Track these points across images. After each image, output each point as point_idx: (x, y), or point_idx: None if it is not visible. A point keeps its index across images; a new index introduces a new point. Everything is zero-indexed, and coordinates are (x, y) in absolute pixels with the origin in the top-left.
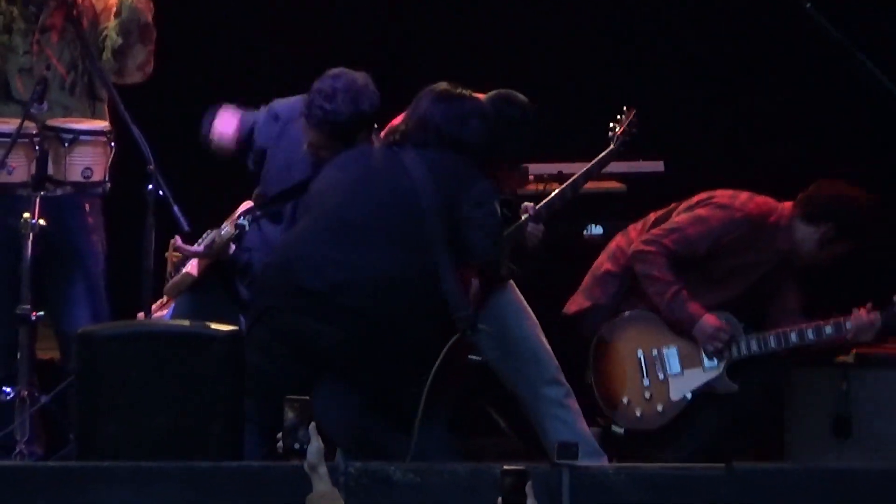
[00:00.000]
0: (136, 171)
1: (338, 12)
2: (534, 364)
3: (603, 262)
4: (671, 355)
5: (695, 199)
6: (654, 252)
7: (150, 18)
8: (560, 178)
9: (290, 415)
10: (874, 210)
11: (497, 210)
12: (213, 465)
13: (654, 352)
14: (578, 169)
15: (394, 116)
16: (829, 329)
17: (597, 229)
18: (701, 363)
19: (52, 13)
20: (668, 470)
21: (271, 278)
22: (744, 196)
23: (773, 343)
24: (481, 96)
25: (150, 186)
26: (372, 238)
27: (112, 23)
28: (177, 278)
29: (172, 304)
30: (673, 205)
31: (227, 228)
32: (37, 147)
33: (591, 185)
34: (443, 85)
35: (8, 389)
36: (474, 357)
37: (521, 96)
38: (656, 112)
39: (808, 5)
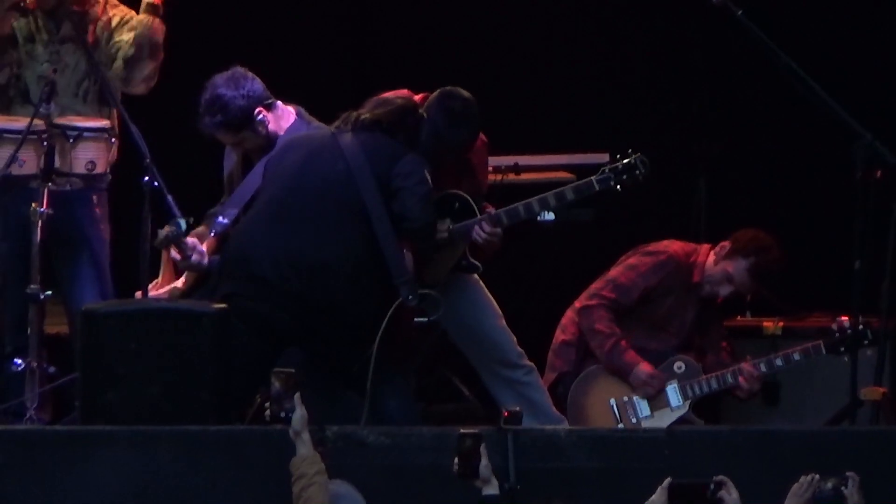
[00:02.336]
0: (134, 165)
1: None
2: (496, 352)
3: (558, 336)
4: (639, 401)
5: (624, 255)
6: (594, 305)
7: (161, 40)
8: (516, 169)
9: (276, 385)
10: (772, 246)
11: (427, 178)
12: (203, 428)
13: (625, 398)
14: (535, 161)
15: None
16: (778, 361)
17: (549, 216)
18: (668, 404)
19: (71, 25)
20: (613, 433)
21: (229, 266)
22: (666, 241)
23: (730, 379)
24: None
25: (146, 178)
26: (314, 222)
27: (127, 35)
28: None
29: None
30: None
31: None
32: (44, 143)
33: (541, 175)
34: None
35: (18, 361)
36: (420, 319)
37: (464, 92)
38: (605, 105)
39: (740, 12)
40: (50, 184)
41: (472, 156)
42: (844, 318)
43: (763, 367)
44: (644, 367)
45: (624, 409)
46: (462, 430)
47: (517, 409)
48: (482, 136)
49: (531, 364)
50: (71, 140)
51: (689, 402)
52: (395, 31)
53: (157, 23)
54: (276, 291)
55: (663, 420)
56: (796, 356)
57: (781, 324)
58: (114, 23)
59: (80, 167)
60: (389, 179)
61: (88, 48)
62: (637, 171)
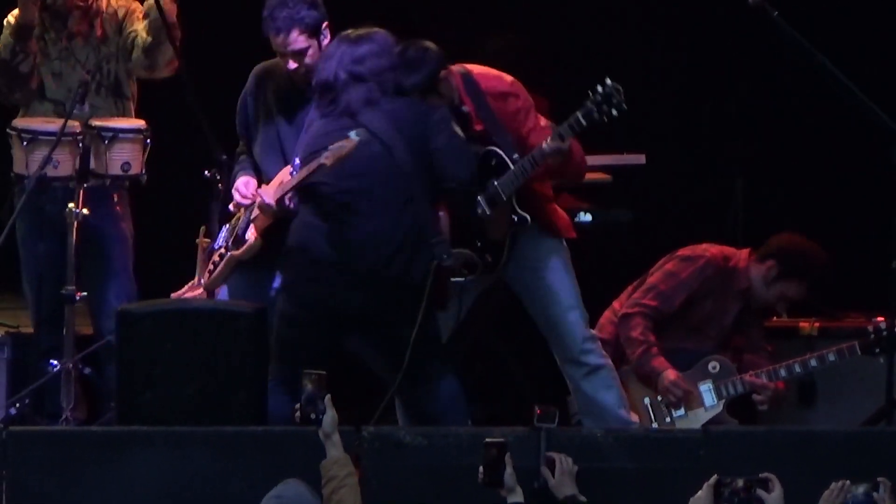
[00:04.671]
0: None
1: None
2: (558, 346)
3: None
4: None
5: (662, 260)
6: (634, 313)
7: (174, 18)
8: None
9: (308, 386)
10: (821, 257)
11: (456, 130)
12: (238, 429)
13: (659, 398)
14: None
15: None
16: (813, 362)
17: (586, 217)
18: (702, 404)
19: (77, 21)
20: (649, 432)
21: (292, 256)
22: (704, 245)
23: (765, 378)
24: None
25: (209, 173)
26: (367, 205)
27: (140, 24)
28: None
29: (224, 288)
30: (647, 273)
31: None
32: (80, 144)
33: None
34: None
35: (54, 362)
36: (457, 279)
37: (423, 41)
38: (640, 106)
39: (776, 14)
40: (88, 183)
41: (497, 108)
42: (880, 319)
43: (798, 368)
44: (669, 374)
45: (658, 408)
46: (487, 440)
47: (551, 407)
48: (502, 86)
49: (600, 361)
50: (106, 141)
51: (722, 401)
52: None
53: (168, 2)
54: (339, 272)
55: (697, 420)
56: (831, 357)
57: (818, 324)
58: (120, 14)
59: (115, 168)
60: (425, 141)
61: (106, 41)
62: (615, 99)
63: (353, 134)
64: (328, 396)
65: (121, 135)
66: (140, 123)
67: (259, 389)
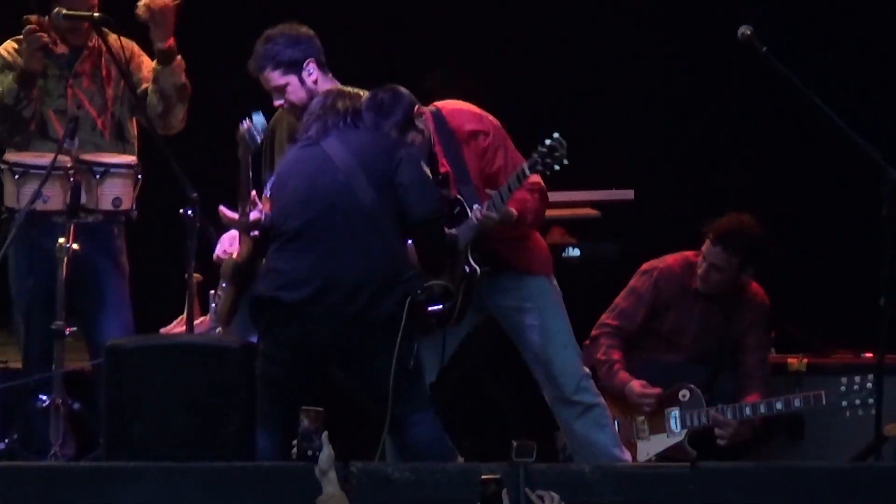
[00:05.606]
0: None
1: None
2: (550, 385)
3: None
4: (641, 422)
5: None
6: (598, 335)
7: (184, 79)
8: None
9: (305, 423)
10: (749, 225)
11: (422, 167)
12: (229, 464)
13: (628, 418)
14: (559, 198)
15: None
16: (779, 405)
17: (574, 251)
18: (667, 430)
19: (83, 60)
20: (636, 468)
21: (262, 304)
22: (666, 256)
23: (729, 414)
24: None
25: (189, 211)
26: (333, 241)
27: (147, 70)
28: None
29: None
30: None
31: None
32: (71, 179)
33: (567, 212)
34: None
35: (43, 397)
36: (434, 308)
37: (393, 85)
38: (628, 141)
39: (765, 49)
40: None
41: (465, 149)
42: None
43: (762, 409)
44: (634, 385)
45: (625, 427)
46: (483, 476)
47: (529, 442)
48: (470, 124)
49: (594, 400)
50: (97, 176)
51: (685, 431)
52: (419, 63)
53: (176, 65)
54: (311, 311)
55: (659, 444)
56: (797, 402)
57: (806, 360)
58: (125, 55)
59: (106, 203)
60: (388, 175)
61: (101, 81)
62: (557, 153)
63: None
64: (325, 433)
65: (112, 170)
66: (131, 159)
67: (247, 424)
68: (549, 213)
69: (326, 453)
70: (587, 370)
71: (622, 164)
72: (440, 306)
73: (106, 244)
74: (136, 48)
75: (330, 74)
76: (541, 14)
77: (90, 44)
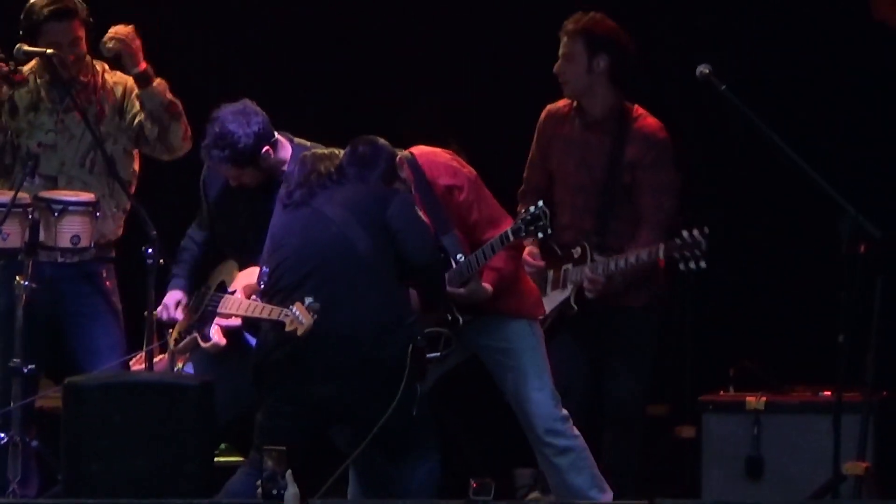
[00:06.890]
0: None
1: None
2: (526, 423)
3: None
4: (547, 278)
5: None
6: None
7: (169, 98)
8: None
9: (268, 463)
10: (602, 18)
11: (415, 210)
12: (187, 502)
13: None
14: None
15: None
16: (640, 256)
17: None
18: (561, 286)
19: (76, 95)
20: None
21: (262, 366)
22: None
23: (599, 269)
24: None
25: (150, 251)
26: (334, 295)
27: (143, 115)
28: (188, 340)
29: (188, 362)
30: None
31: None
32: (30, 216)
33: None
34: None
35: (2, 435)
36: (433, 354)
37: (371, 137)
38: None
39: (724, 87)
40: (37, 256)
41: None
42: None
43: (621, 264)
44: (526, 252)
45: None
46: None
47: (487, 479)
48: (445, 179)
49: (569, 443)
50: (56, 214)
51: (572, 287)
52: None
53: (157, 85)
54: (312, 365)
55: (554, 299)
56: (643, 256)
57: (764, 398)
58: (118, 93)
59: (64, 241)
60: (382, 221)
61: (90, 119)
62: (541, 222)
63: (309, 302)
64: (289, 472)
65: (70, 207)
66: (90, 196)
67: (206, 462)
68: None
69: (291, 492)
70: (564, 413)
71: None
72: (437, 354)
73: (97, 285)
74: (131, 83)
75: (283, 138)
76: (510, 50)
77: (83, 79)
